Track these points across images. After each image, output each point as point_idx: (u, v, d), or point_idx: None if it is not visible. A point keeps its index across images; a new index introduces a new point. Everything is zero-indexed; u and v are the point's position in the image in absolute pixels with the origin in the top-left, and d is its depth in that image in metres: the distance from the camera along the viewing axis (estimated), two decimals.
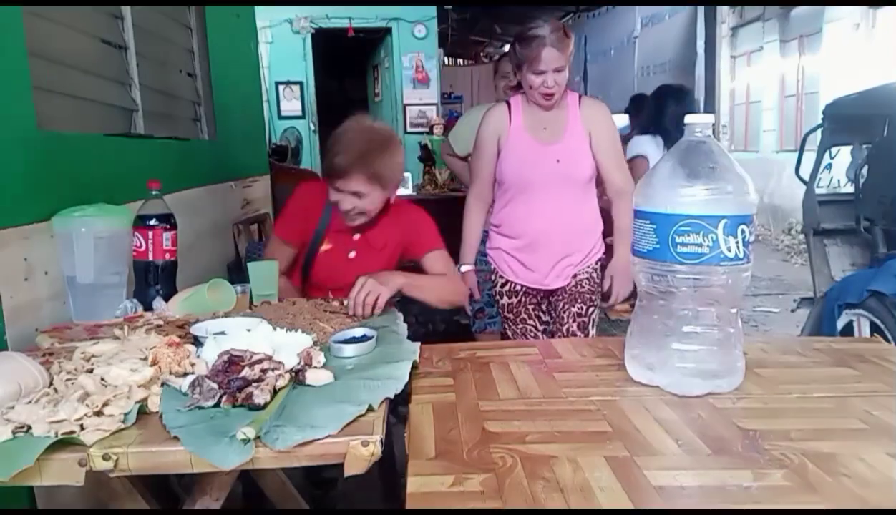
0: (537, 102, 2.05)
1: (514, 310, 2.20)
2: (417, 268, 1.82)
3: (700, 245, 0.94)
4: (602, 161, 2.10)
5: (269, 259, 1.74)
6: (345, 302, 1.62)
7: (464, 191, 2.80)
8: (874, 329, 2.52)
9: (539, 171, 2.05)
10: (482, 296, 3.00)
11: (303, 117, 6.50)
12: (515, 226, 2.13)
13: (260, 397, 1.00)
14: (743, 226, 0.99)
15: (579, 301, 2.13)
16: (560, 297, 2.16)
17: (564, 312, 2.14)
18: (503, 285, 2.20)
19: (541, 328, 2.23)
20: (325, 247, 1.84)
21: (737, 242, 0.98)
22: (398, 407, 1.16)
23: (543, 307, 2.22)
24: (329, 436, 0.91)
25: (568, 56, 2.00)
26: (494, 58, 12.16)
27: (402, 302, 1.68)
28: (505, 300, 2.21)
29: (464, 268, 2.21)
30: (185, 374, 1.09)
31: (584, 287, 2.14)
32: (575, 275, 2.13)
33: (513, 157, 2.07)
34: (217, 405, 1.01)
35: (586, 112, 2.08)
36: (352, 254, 1.84)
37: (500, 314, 2.30)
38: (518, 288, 2.17)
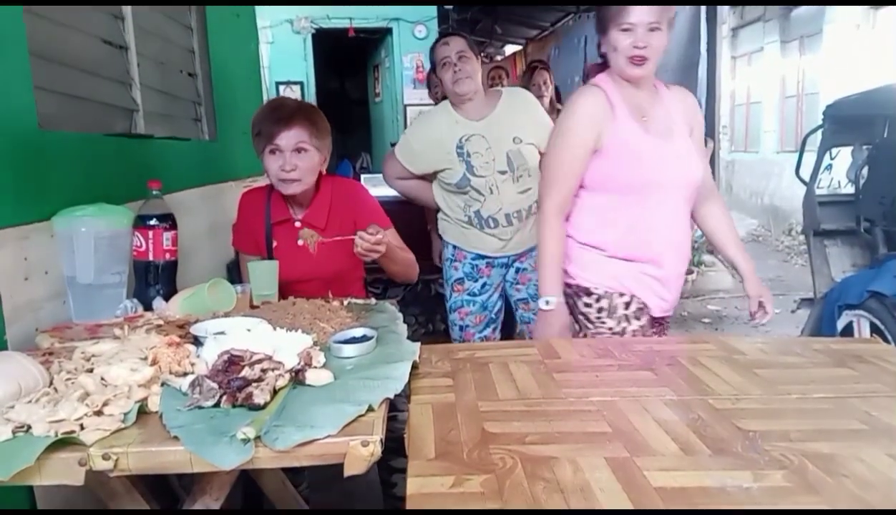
0: (623, 73, 1.65)
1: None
2: None
3: None
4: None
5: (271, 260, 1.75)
6: (345, 302, 1.63)
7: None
8: (874, 329, 2.53)
9: (662, 172, 1.66)
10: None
11: None
12: (637, 243, 1.69)
13: (260, 397, 1.00)
14: None
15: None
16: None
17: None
18: (637, 311, 1.73)
19: None
20: (274, 243, 1.86)
21: None
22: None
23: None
24: (329, 436, 0.92)
25: (667, 19, 1.60)
26: (496, 57, 12.13)
27: (402, 302, 1.67)
28: (634, 324, 1.73)
29: (551, 303, 1.70)
30: (185, 374, 1.09)
31: None
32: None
33: (626, 155, 1.65)
34: (217, 405, 1.01)
35: (678, 97, 1.76)
36: (300, 242, 1.84)
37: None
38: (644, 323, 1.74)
